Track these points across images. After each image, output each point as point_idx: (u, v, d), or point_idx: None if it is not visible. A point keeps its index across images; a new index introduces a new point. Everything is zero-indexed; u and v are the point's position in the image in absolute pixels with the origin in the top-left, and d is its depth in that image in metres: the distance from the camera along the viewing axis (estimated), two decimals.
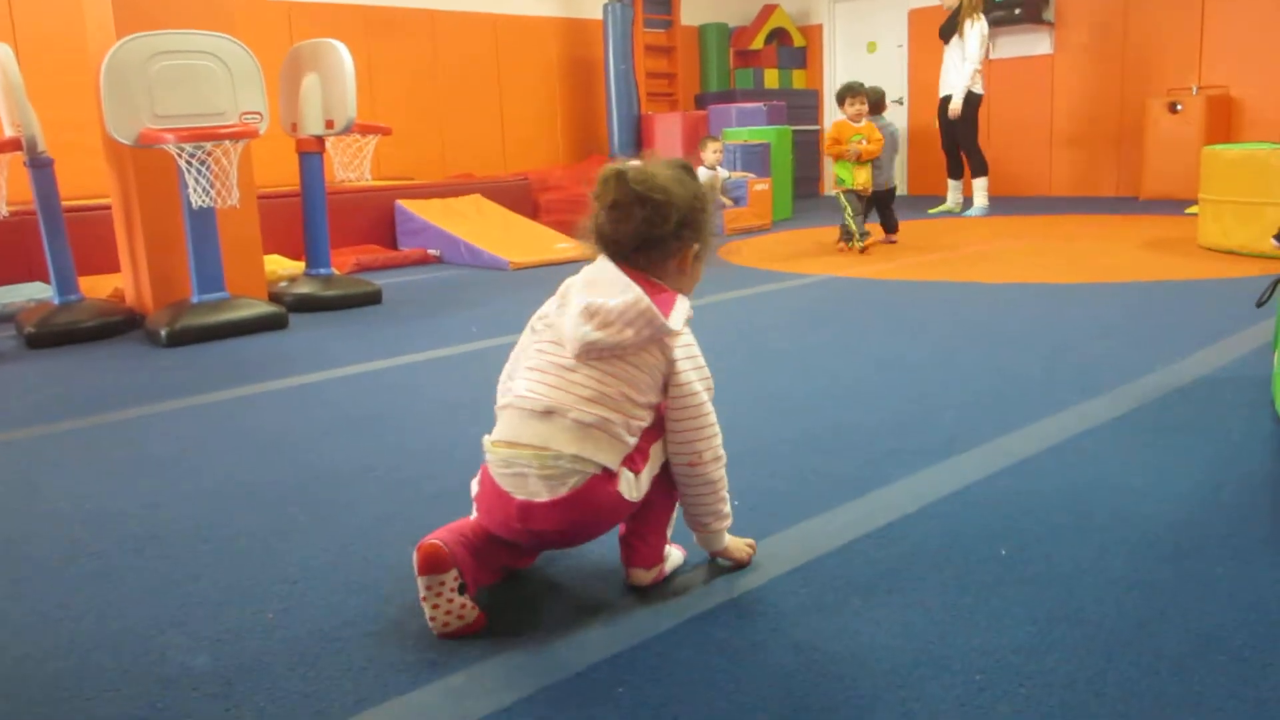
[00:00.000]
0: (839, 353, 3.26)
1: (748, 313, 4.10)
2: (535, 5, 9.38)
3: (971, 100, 7.62)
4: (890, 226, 6.27)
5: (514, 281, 5.25)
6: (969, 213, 7.86)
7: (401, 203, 6.58)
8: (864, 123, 5.75)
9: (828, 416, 2.51)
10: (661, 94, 10.21)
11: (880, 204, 6.21)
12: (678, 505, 1.61)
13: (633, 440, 1.47)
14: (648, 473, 1.51)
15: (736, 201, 7.41)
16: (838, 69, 11.06)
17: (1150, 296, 4.02)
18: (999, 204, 8.61)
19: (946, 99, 7.76)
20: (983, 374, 2.88)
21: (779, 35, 10.93)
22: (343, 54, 4.51)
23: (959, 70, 7.61)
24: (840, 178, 5.78)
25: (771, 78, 10.69)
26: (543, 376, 1.48)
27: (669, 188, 1.48)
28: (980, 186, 7.88)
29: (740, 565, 1.63)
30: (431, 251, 6.29)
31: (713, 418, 1.53)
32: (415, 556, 1.46)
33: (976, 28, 7.57)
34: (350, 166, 4.77)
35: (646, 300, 1.44)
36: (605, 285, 1.47)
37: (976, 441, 2.25)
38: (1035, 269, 4.93)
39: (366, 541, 1.84)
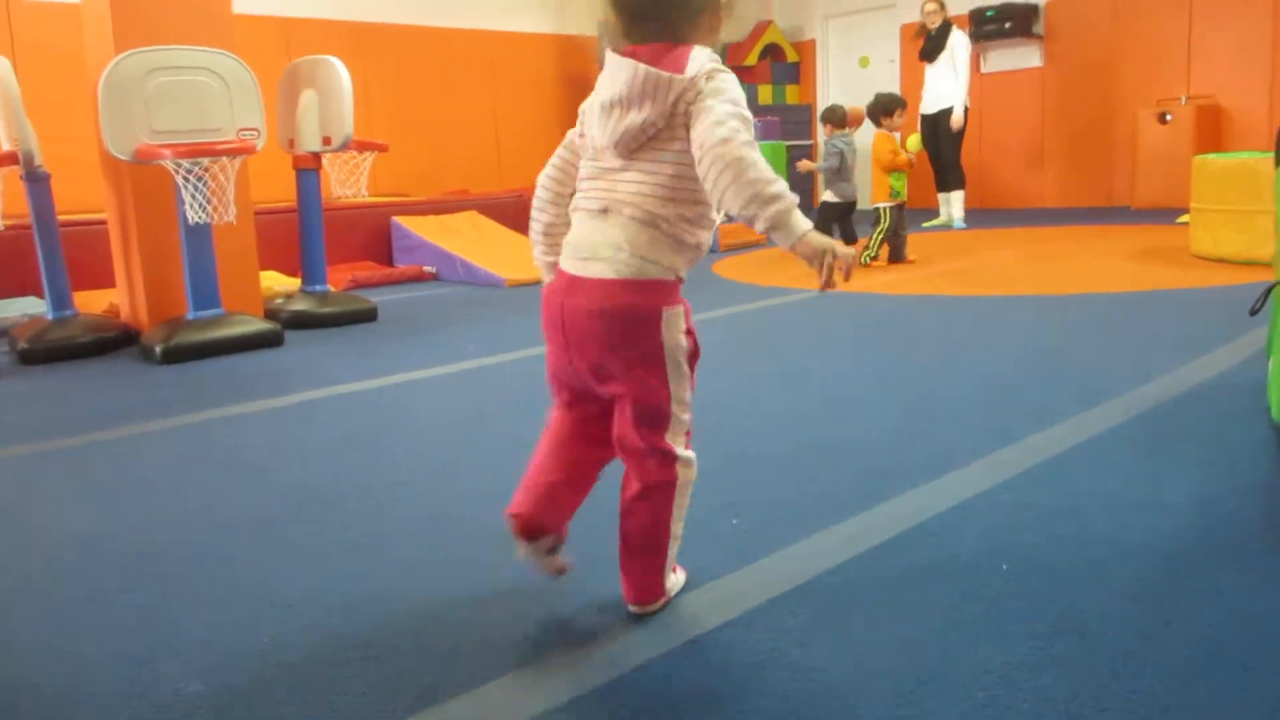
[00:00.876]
0: (834, 367, 3.24)
1: (741, 329, 4.08)
2: (529, 22, 9.39)
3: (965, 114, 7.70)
4: (851, 239, 6.42)
5: (510, 299, 5.23)
6: (953, 226, 7.93)
7: (397, 219, 6.56)
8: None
9: (824, 432, 2.49)
10: None
11: (844, 218, 6.38)
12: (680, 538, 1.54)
13: (689, 240, 1.45)
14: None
15: (730, 217, 7.40)
16: (831, 84, 11.09)
17: (1143, 306, 4.01)
18: (993, 217, 8.61)
19: (936, 115, 7.81)
20: (978, 387, 2.87)
21: (772, 51, 10.96)
22: (340, 71, 4.50)
23: (954, 84, 7.65)
24: (896, 189, 5.81)
25: (765, 93, 10.72)
26: (595, 182, 1.46)
27: None
28: (958, 199, 7.97)
29: (834, 270, 1.34)
30: (427, 268, 6.27)
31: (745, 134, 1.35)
32: (511, 524, 1.52)
33: (965, 41, 7.64)
34: (347, 183, 4.75)
35: (643, 68, 1.38)
36: (610, 81, 1.43)
37: (974, 455, 2.23)
38: (1028, 280, 4.92)
39: (362, 564, 1.81)
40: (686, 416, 1.48)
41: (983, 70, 9.60)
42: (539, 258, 1.57)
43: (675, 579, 1.59)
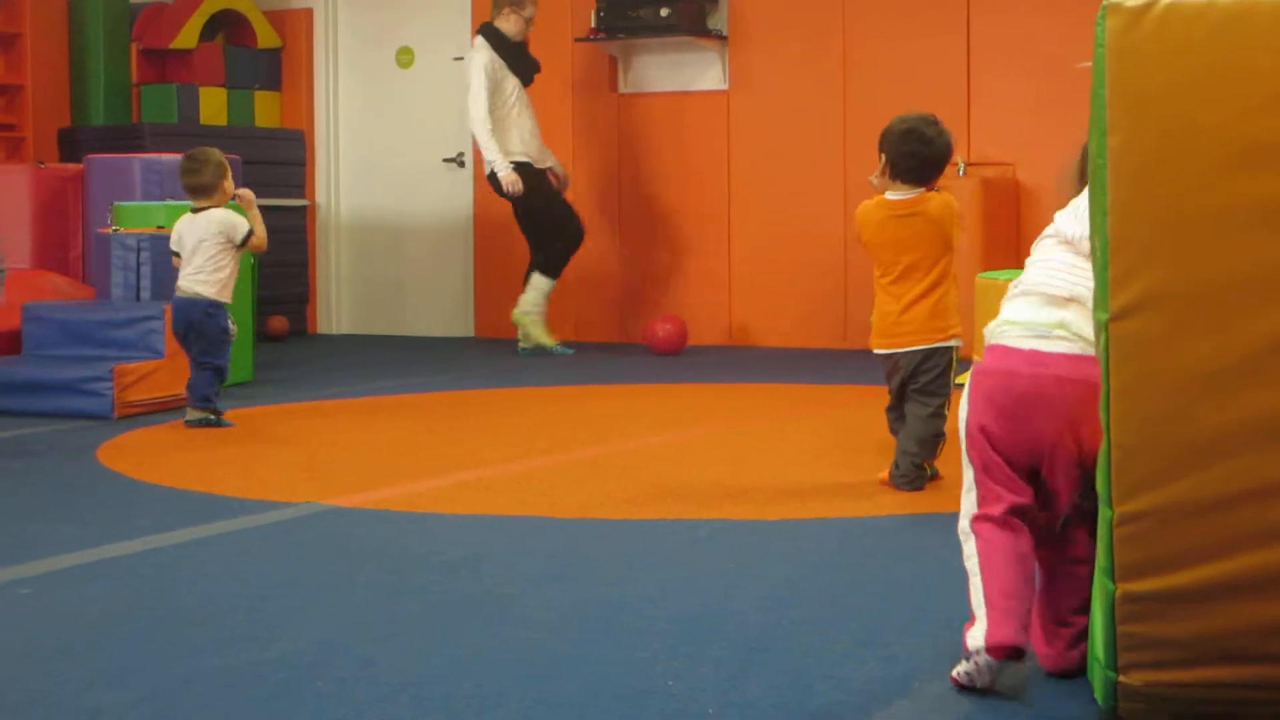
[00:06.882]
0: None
1: (168, 589, 3.91)
2: None
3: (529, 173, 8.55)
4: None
5: None
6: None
7: None
8: None
9: None
10: None
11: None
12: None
13: None
14: None
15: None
16: (341, 94, 11.29)
17: (904, 536, 4.28)
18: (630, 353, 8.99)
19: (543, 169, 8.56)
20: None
21: (228, 25, 11.04)
22: None
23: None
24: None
25: (214, 105, 10.72)
26: (1061, 269, 2.85)
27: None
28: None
29: None
30: None
31: None
32: (995, 654, 2.64)
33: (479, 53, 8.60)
34: None
35: None
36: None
37: None
38: (729, 488, 5.19)
39: None
40: None
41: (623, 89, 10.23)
42: None
43: None
